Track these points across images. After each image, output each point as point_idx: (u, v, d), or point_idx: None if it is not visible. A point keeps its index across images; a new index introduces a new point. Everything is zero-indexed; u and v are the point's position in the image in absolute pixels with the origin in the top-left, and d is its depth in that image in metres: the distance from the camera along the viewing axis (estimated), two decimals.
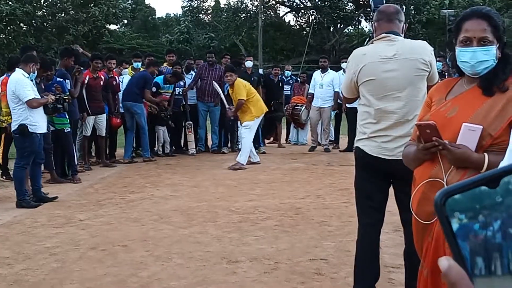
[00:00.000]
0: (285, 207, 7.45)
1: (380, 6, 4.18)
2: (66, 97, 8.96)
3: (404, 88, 3.74)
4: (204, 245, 5.77)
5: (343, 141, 13.65)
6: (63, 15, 38.77)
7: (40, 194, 8.09)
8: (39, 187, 8.18)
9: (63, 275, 4.95)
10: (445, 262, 0.70)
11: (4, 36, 35.83)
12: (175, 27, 49.84)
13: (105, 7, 39.38)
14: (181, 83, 12.87)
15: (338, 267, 5.04)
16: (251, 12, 46.56)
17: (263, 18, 43.33)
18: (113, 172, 10.71)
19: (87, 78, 10.68)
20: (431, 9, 37.72)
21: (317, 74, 13.65)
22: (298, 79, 15.85)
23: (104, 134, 11.29)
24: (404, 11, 4.15)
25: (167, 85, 12.37)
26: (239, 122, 12.03)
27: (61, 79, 9.42)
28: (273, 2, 47.78)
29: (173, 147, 12.99)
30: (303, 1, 46.93)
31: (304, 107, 14.12)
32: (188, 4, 50.14)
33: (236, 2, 48.23)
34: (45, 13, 38.79)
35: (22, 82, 7.83)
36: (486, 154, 2.53)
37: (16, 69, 8.05)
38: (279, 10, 48.73)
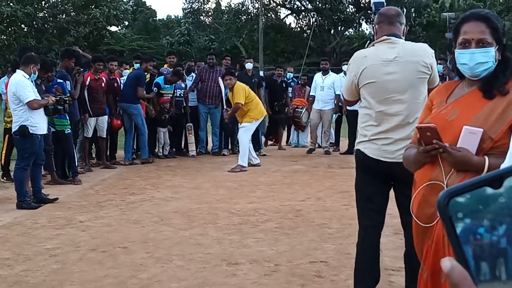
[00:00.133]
0: (285, 209, 7.45)
1: (381, 9, 4.18)
2: (67, 99, 8.97)
3: (405, 90, 3.74)
4: (204, 247, 5.77)
5: (344, 144, 13.64)
6: (64, 16, 38.82)
7: (40, 195, 8.09)
8: (40, 188, 8.18)
9: (63, 277, 4.95)
10: (448, 263, 0.70)
11: (5, 37, 35.87)
12: (176, 29, 49.88)
13: (106, 8, 39.44)
14: (182, 85, 12.86)
15: (338, 269, 5.04)
16: (252, 14, 46.67)
17: (264, 20, 43.39)
18: (114, 174, 10.71)
19: (88, 79, 10.70)
20: (432, 11, 37.78)
21: (318, 77, 13.64)
22: (299, 81, 15.86)
23: (105, 136, 11.29)
24: (404, 13, 4.14)
25: (168, 86, 12.37)
26: (239, 125, 12.06)
27: (61, 81, 9.42)
28: (274, 4, 47.88)
29: (174, 149, 12.97)
30: (304, 4, 47.00)
31: (304, 109, 14.12)
32: (189, 6, 50.23)
33: (237, 4, 48.35)
34: (46, 15, 38.85)
35: (22, 84, 7.83)
36: (486, 157, 2.53)
37: (17, 70, 8.06)
38: (280, 12, 48.85)
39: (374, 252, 3.97)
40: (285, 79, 15.06)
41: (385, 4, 4.58)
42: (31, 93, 7.86)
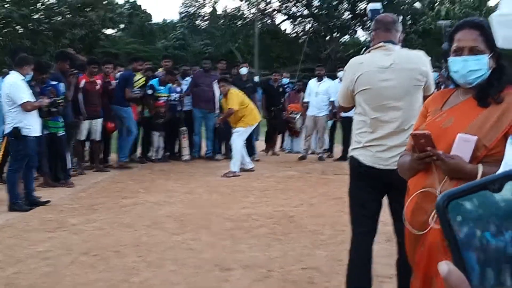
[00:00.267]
0: (278, 215, 7.43)
1: (377, 16, 4.19)
2: (61, 101, 8.94)
3: (401, 98, 3.74)
4: (197, 252, 5.76)
5: (337, 150, 13.64)
6: (59, 18, 38.77)
7: (32, 197, 8.06)
8: (32, 191, 8.15)
9: (54, 280, 4.93)
10: (445, 266, 0.70)
11: (0, 38, 35.79)
12: (171, 33, 49.90)
13: (102, 11, 39.42)
14: (177, 89, 12.85)
15: (330, 276, 5.04)
16: (248, 19, 46.69)
17: (259, 25, 43.44)
18: (106, 177, 10.68)
19: (83, 82, 10.68)
20: (428, 19, 37.90)
21: (312, 83, 13.64)
22: (294, 87, 15.85)
23: (98, 139, 11.26)
24: (400, 21, 4.14)
25: (163, 88, 12.37)
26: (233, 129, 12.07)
27: (55, 82, 9.38)
28: (270, 9, 47.92)
29: (167, 153, 12.94)
30: (300, 10, 47.07)
31: (299, 115, 14.14)
32: (185, 10, 50.24)
33: (233, 9, 48.39)
34: (42, 16, 38.79)
35: (17, 85, 7.82)
36: (480, 165, 2.53)
37: (11, 71, 8.04)
38: (275, 17, 48.89)
39: (367, 259, 3.96)
40: (281, 84, 15.05)
41: (381, 11, 4.59)
42: (25, 95, 7.85)
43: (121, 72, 12.34)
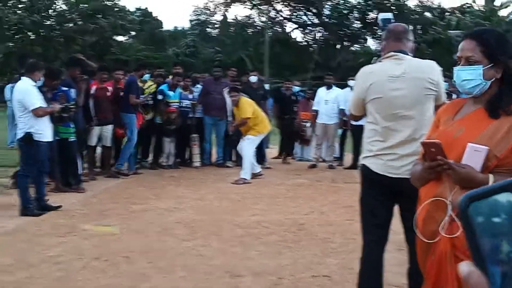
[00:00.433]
0: (288, 223, 7.44)
1: (388, 25, 4.20)
2: (72, 106, 9.00)
3: (412, 107, 3.75)
4: (207, 258, 5.78)
5: (348, 158, 13.63)
6: (71, 25, 38.98)
7: (43, 202, 8.10)
8: (43, 196, 8.19)
9: (66, 284, 4.96)
10: (466, 267, 0.71)
11: (12, 44, 36.01)
12: (182, 40, 50.02)
13: (113, 18, 39.60)
14: (189, 95, 12.91)
15: (341, 284, 5.04)
16: (258, 28, 46.79)
17: (270, 33, 43.52)
18: (117, 183, 10.72)
19: (93, 88, 10.75)
20: (438, 29, 37.83)
21: (321, 91, 13.64)
22: (305, 95, 15.86)
23: (109, 145, 11.31)
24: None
25: (173, 93, 12.42)
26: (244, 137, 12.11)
27: (66, 88, 9.43)
28: (281, 18, 48.00)
29: (178, 159, 12.98)
30: (310, 18, 47.11)
31: (309, 123, 14.17)
32: (196, 18, 50.40)
33: (244, 17, 48.50)
34: (53, 23, 39.00)
35: (28, 91, 7.88)
36: (491, 175, 2.54)
37: (22, 77, 8.09)
38: (286, 26, 48.95)
39: (378, 268, 3.96)
40: (293, 92, 15.03)
41: (392, 20, 4.61)
42: (37, 101, 7.90)
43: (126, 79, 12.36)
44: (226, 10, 50.51)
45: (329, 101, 13.26)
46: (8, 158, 10.29)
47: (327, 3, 44.29)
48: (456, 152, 2.60)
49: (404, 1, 41.93)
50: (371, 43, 46.98)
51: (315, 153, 13.76)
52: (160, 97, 12.28)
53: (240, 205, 8.71)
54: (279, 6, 47.11)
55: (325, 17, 44.88)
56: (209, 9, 50.39)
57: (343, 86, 14.10)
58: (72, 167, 9.74)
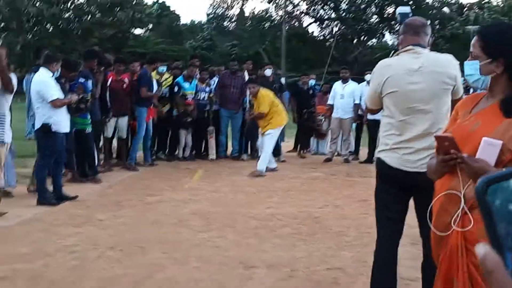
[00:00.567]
0: (303, 216, 7.45)
1: (406, 19, 4.19)
2: (89, 97, 9.06)
3: (429, 101, 3.73)
4: (222, 250, 5.80)
5: (363, 153, 13.60)
6: (89, 18, 39.17)
7: (60, 192, 8.16)
8: (60, 186, 8.26)
9: (81, 274, 5.00)
10: (482, 249, 0.71)
11: (30, 36, 36.24)
12: (199, 33, 50.11)
13: (131, 11, 39.74)
14: (206, 88, 12.95)
15: (355, 277, 5.05)
16: (276, 22, 46.77)
17: (287, 28, 43.48)
18: (133, 174, 10.77)
19: (109, 80, 10.81)
20: (456, 24, 37.62)
21: (337, 85, 13.62)
22: (321, 89, 15.84)
23: (124, 137, 11.36)
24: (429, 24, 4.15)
25: (189, 85, 12.45)
26: (262, 131, 12.13)
27: (83, 80, 9.49)
28: (298, 12, 47.93)
29: (194, 152, 13.02)
30: (328, 13, 47.01)
31: (325, 117, 14.16)
32: (213, 12, 50.45)
33: (261, 11, 48.48)
34: (72, 16, 39.23)
35: (47, 82, 7.94)
36: (504, 169, 2.52)
37: (40, 68, 8.15)
38: (303, 20, 48.91)
39: (391, 261, 3.96)
40: (310, 86, 14.99)
41: (410, 14, 4.59)
42: (55, 92, 7.96)
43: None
44: (243, 4, 50.60)
45: (345, 95, 13.24)
46: (26, 149, 10.34)
47: None
48: (472, 146, 2.60)
49: None
50: (388, 38, 46.90)
51: (330, 147, 13.75)
52: (176, 89, 12.31)
53: (255, 197, 8.73)
54: (296, 0, 47.08)
55: (342, 12, 44.76)
56: (226, 3, 50.44)
57: (359, 80, 14.06)
58: (89, 158, 9.81)
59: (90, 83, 9.65)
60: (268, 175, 10.90)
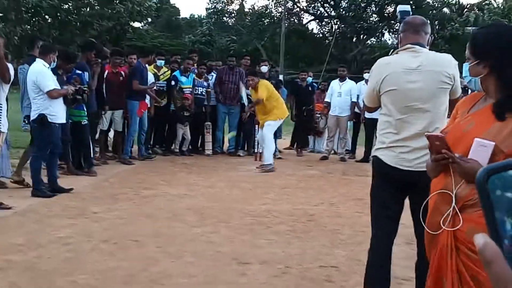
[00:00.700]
0: (298, 213, 7.45)
1: (406, 18, 4.18)
2: (85, 89, 9.04)
3: (427, 100, 3.72)
4: (216, 245, 5.79)
5: (360, 151, 13.60)
6: (88, 9, 39.09)
7: (55, 184, 8.14)
8: (55, 178, 8.24)
9: (74, 265, 4.98)
10: (481, 239, 0.71)
11: (29, 27, 36.15)
12: (198, 28, 50.04)
13: (130, 4, 39.64)
14: (204, 83, 12.94)
15: (348, 275, 5.04)
16: (275, 18, 46.72)
17: (286, 24, 43.43)
18: (128, 168, 10.76)
19: (106, 72, 10.78)
20: (456, 25, 37.64)
21: (335, 83, 13.63)
22: (319, 86, 15.82)
23: (120, 130, 11.33)
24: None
25: (186, 78, 12.44)
26: (256, 126, 12.13)
27: (80, 71, 9.46)
28: (298, 9, 47.90)
29: (190, 147, 13.00)
30: (327, 10, 47.00)
31: (322, 115, 14.16)
32: (213, 6, 50.37)
33: (261, 7, 48.42)
34: (71, 7, 39.13)
35: (43, 73, 7.91)
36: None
37: (36, 59, 8.12)
38: (303, 17, 48.87)
39: (385, 260, 3.95)
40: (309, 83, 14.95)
41: (411, 13, 4.58)
42: (52, 83, 7.94)
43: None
44: (243, 0, 50.54)
45: (342, 93, 13.25)
46: (23, 140, 10.31)
47: None
48: (465, 146, 2.61)
49: None
50: (388, 37, 46.86)
51: (327, 145, 13.75)
52: (173, 83, 12.29)
53: (250, 194, 8.73)
54: None
55: (342, 10, 44.73)
56: None
57: (357, 79, 14.06)
58: (85, 150, 9.79)
59: (86, 75, 9.63)
60: (264, 172, 10.89)
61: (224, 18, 51.78)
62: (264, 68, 13.45)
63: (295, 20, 48.33)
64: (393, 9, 40.85)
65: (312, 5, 47.35)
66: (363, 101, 5.14)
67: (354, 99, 13.15)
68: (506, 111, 2.60)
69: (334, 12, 45.95)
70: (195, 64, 13.16)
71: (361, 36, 45.76)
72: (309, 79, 15.18)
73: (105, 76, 10.78)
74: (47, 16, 38.39)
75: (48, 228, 6.19)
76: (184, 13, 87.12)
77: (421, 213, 2.89)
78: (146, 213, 7.09)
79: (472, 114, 2.74)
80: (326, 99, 13.68)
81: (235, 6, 51.17)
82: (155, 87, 11.92)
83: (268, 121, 11.19)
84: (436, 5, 42.44)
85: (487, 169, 0.72)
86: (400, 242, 5.38)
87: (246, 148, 13.57)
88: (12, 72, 7.13)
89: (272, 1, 47.37)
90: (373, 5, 44.02)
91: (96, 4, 38.84)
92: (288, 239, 6.16)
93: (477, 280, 2.46)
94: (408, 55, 3.85)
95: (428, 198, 2.78)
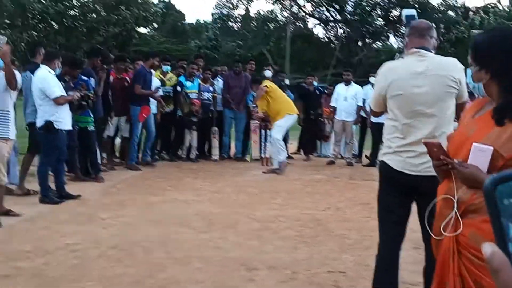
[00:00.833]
0: (305, 218, 7.44)
1: (412, 22, 4.18)
2: (91, 95, 9.06)
3: (433, 104, 3.72)
4: (223, 251, 5.79)
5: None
6: (94, 15, 39.20)
7: (63, 191, 8.16)
8: (63, 184, 8.26)
9: (82, 272, 4.99)
10: (489, 248, 0.71)
11: (35, 33, 36.26)
12: (203, 33, 50.12)
13: (136, 10, 39.75)
14: (210, 88, 12.97)
15: (356, 280, 5.03)
16: (281, 23, 46.77)
17: (292, 29, 43.48)
18: (136, 174, 10.77)
19: (111, 78, 10.80)
20: (461, 28, 37.58)
21: (340, 87, 13.60)
22: (325, 91, 15.80)
23: (127, 135, 11.33)
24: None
25: (191, 83, 12.45)
26: (262, 131, 12.16)
27: (86, 78, 9.48)
28: (303, 13, 47.93)
29: (197, 152, 13.01)
30: (333, 14, 47.00)
31: (328, 120, 14.16)
32: (218, 11, 50.47)
33: (266, 12, 48.47)
34: (77, 13, 39.26)
35: (49, 79, 7.92)
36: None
37: (41, 65, 8.13)
38: (308, 22, 48.90)
39: (393, 265, 3.94)
40: (316, 87, 14.93)
41: (416, 17, 4.57)
42: (58, 89, 7.96)
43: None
44: (248, 4, 50.60)
45: (348, 97, 13.23)
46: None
47: (350, 0, 44.17)
48: (466, 150, 2.61)
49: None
50: (393, 41, 46.82)
51: (334, 150, 13.74)
52: (179, 88, 12.31)
53: (257, 199, 8.72)
54: (301, 2, 47.12)
55: (347, 14, 44.74)
56: (231, 3, 50.44)
57: (363, 83, 14.04)
58: (91, 156, 9.81)
59: (93, 81, 9.66)
60: (271, 176, 10.90)
61: (230, 23, 51.87)
62: (268, 73, 13.43)
63: (301, 25, 48.34)
64: (398, 13, 40.87)
65: (318, 10, 47.37)
66: (369, 106, 5.13)
67: (360, 103, 13.14)
68: (505, 116, 2.60)
69: (340, 16, 45.97)
70: (200, 69, 13.17)
71: (367, 40, 45.74)
72: (315, 83, 15.20)
73: (110, 82, 10.79)
74: (53, 22, 38.53)
75: (55, 234, 6.21)
76: (190, 19, 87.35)
77: (427, 218, 2.89)
78: (153, 219, 7.09)
79: (476, 119, 2.74)
80: (332, 104, 13.65)
81: (240, 11, 51.32)
82: (161, 92, 11.90)
83: (276, 122, 11.25)
84: (442, 9, 42.39)
85: (495, 178, 0.72)
86: (407, 247, 5.36)
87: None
88: (19, 79, 7.15)
89: (278, 5, 47.46)
90: (378, 8, 44.03)
91: (102, 10, 38.93)
92: (295, 244, 6.15)
93: (481, 285, 2.45)
94: (413, 59, 3.85)
95: (432, 203, 2.78)
